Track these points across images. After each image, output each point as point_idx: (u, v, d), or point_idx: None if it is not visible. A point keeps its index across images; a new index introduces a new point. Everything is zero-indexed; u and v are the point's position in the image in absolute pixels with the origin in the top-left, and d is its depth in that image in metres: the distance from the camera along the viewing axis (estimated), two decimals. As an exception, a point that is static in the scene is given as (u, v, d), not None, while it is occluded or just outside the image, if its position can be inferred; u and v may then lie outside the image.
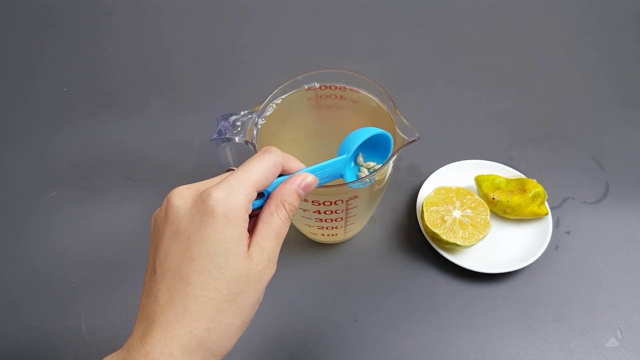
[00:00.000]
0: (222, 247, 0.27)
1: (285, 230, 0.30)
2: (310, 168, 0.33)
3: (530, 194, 0.53)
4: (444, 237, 0.51)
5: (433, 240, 0.53)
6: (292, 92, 0.48)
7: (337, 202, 0.42)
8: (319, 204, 0.42)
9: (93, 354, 0.50)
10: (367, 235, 0.57)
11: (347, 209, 0.44)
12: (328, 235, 0.51)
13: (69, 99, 0.74)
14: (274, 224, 0.29)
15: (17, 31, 0.85)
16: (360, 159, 0.38)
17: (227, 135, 0.44)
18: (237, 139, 0.44)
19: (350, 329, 0.50)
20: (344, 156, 0.35)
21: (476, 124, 0.68)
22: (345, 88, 0.48)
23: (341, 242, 0.57)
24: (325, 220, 0.46)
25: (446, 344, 0.49)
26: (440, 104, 0.71)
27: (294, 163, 0.32)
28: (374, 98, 0.47)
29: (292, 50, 0.79)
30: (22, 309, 0.54)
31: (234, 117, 0.44)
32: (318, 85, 0.48)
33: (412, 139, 0.40)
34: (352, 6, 0.85)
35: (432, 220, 0.52)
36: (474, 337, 0.49)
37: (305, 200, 0.42)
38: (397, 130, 0.42)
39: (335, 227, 0.48)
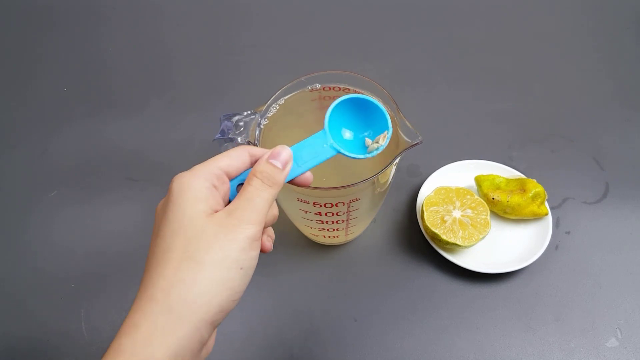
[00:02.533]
0: (177, 214, 0.29)
1: (263, 195, 0.30)
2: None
3: (530, 194, 0.53)
4: (444, 237, 0.51)
5: (433, 240, 0.53)
6: (295, 92, 0.48)
7: (338, 205, 0.42)
8: (320, 206, 0.42)
9: (93, 354, 0.50)
10: (367, 236, 0.57)
11: (348, 211, 0.44)
12: (329, 237, 0.51)
13: (69, 99, 0.74)
14: (245, 191, 0.30)
15: (17, 31, 0.85)
16: (368, 140, 0.37)
17: (229, 136, 0.44)
18: (239, 139, 0.44)
19: (350, 329, 0.50)
20: (320, 131, 0.35)
21: (476, 124, 0.68)
22: (349, 89, 0.48)
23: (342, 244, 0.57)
24: (327, 222, 0.46)
25: (446, 344, 0.49)
26: (440, 104, 0.71)
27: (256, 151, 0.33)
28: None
29: (292, 51, 0.79)
30: (23, 308, 0.54)
31: (236, 117, 0.44)
32: (321, 86, 0.48)
33: (415, 142, 0.40)
34: (352, 6, 0.85)
35: (432, 220, 0.52)
36: (474, 337, 0.50)
37: (306, 202, 0.42)
38: (400, 132, 0.42)
39: (337, 229, 0.48)
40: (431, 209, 0.53)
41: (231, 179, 0.32)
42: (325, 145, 0.35)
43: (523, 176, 0.58)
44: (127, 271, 0.55)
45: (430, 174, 0.59)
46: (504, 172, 0.59)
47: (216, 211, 0.29)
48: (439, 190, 0.55)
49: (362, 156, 0.36)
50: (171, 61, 0.79)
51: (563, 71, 0.74)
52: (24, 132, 0.70)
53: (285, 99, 0.48)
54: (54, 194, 0.63)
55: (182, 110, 0.72)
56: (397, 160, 0.41)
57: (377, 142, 0.36)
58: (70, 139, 0.68)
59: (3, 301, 0.54)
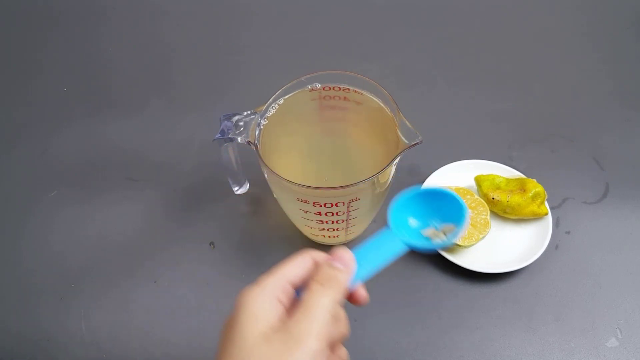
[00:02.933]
0: (236, 337, 0.27)
1: (323, 302, 0.28)
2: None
3: (530, 194, 0.53)
4: None
5: None
6: (295, 92, 0.48)
7: (338, 204, 0.42)
8: (320, 206, 0.42)
9: (93, 354, 0.50)
10: (367, 236, 0.57)
11: (348, 211, 0.44)
12: (329, 236, 0.51)
13: (69, 99, 0.74)
14: (302, 300, 0.28)
15: (17, 31, 0.85)
16: (429, 229, 0.36)
17: (229, 136, 0.44)
18: (239, 139, 0.44)
19: (350, 329, 0.50)
20: (384, 231, 0.34)
21: (476, 124, 0.68)
22: (349, 89, 0.48)
23: (342, 244, 0.57)
24: (327, 222, 0.46)
25: (446, 344, 0.49)
26: (440, 104, 0.71)
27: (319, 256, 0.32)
28: (377, 100, 0.47)
29: (292, 51, 0.79)
30: (22, 308, 0.54)
31: (236, 117, 0.45)
32: (321, 86, 0.48)
33: (414, 142, 0.40)
34: (352, 6, 0.85)
35: None
36: (474, 337, 0.50)
37: (306, 202, 0.42)
38: (400, 133, 0.42)
39: (337, 229, 0.48)
40: None
41: (296, 289, 0.30)
42: (393, 242, 0.33)
43: (523, 176, 0.58)
44: (127, 271, 0.55)
45: (430, 174, 0.59)
46: (504, 172, 0.59)
47: (277, 329, 0.27)
48: None
49: (432, 247, 0.35)
50: (171, 61, 0.79)
51: (563, 71, 0.74)
52: (24, 132, 0.70)
53: (285, 99, 0.48)
54: (54, 194, 0.63)
55: (182, 110, 0.72)
56: (397, 160, 0.42)
57: (444, 234, 0.35)
58: (70, 139, 0.68)
59: (3, 301, 0.54)
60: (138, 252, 0.57)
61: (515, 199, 0.54)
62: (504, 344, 0.49)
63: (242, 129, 0.44)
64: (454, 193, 0.35)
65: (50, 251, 0.58)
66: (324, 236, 0.51)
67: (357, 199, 0.42)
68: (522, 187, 0.54)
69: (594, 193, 0.60)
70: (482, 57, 0.77)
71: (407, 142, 0.41)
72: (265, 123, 0.46)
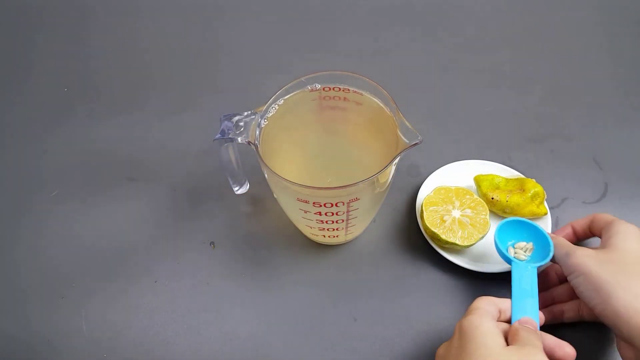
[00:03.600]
0: (480, 347, 0.36)
1: (527, 340, 0.37)
2: (513, 309, 0.41)
3: (530, 194, 0.54)
4: (443, 236, 0.51)
5: (433, 240, 0.53)
6: (295, 92, 0.48)
7: (338, 204, 0.42)
8: (320, 206, 0.43)
9: (93, 354, 0.50)
10: (367, 235, 0.57)
11: (348, 211, 0.44)
12: (329, 236, 0.51)
13: (69, 99, 0.74)
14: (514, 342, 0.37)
15: (17, 31, 0.85)
16: (512, 250, 0.48)
17: (230, 136, 0.44)
18: (239, 139, 0.44)
19: (350, 329, 0.50)
20: (514, 267, 0.45)
21: (476, 124, 0.68)
22: (349, 90, 0.48)
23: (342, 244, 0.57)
24: (327, 222, 0.46)
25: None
26: (440, 104, 0.71)
27: (504, 304, 0.41)
28: (377, 100, 0.47)
29: (292, 51, 0.79)
30: (23, 308, 0.54)
31: (237, 118, 0.45)
32: (321, 86, 0.48)
33: (414, 142, 0.40)
34: (352, 6, 0.85)
35: (432, 220, 0.52)
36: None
37: (306, 202, 0.42)
38: (400, 133, 0.42)
39: (337, 229, 0.48)
40: (431, 208, 0.53)
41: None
42: (525, 272, 0.44)
43: (522, 176, 0.58)
44: (127, 271, 0.55)
45: (430, 174, 0.59)
46: (503, 171, 0.59)
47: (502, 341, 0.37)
48: (438, 190, 0.55)
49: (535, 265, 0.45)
50: (171, 61, 0.79)
51: (563, 71, 0.74)
52: (24, 132, 0.70)
53: (285, 99, 0.48)
54: (55, 194, 0.63)
55: (182, 110, 0.72)
56: (396, 160, 0.42)
57: (524, 252, 0.47)
58: (70, 139, 0.69)
59: (3, 301, 0.54)
60: (138, 251, 0.57)
61: (515, 198, 0.54)
62: (504, 344, 0.49)
63: (242, 129, 0.44)
64: (534, 223, 0.48)
65: (51, 251, 0.58)
66: (324, 236, 0.51)
67: (357, 199, 0.42)
68: (521, 187, 0.55)
69: (593, 193, 0.60)
70: (482, 57, 0.77)
71: (406, 142, 0.41)
72: (265, 123, 0.47)
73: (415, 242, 0.56)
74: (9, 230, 0.60)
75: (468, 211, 0.53)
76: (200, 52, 0.80)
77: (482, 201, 0.54)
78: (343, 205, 0.43)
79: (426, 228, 0.53)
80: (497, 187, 0.56)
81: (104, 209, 0.61)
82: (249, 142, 0.44)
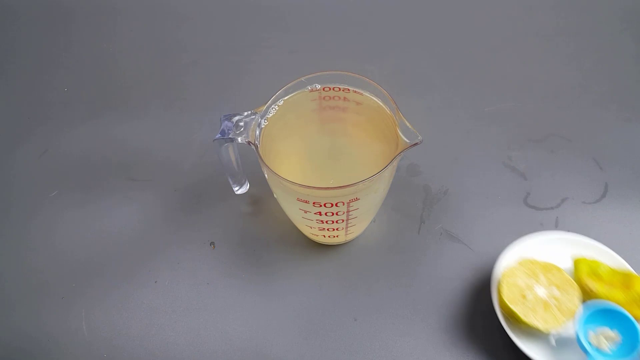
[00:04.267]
0: None
1: None
2: None
3: (636, 294, 0.44)
4: (523, 318, 0.44)
5: (509, 319, 0.46)
6: (295, 93, 0.48)
7: (338, 204, 0.42)
8: (320, 206, 0.43)
9: (94, 354, 0.50)
10: (367, 235, 0.57)
11: (348, 211, 0.44)
12: (329, 236, 0.51)
13: (70, 99, 0.74)
14: None
15: (17, 31, 0.85)
16: (593, 336, 0.43)
17: (230, 136, 0.44)
18: (239, 139, 0.44)
19: (350, 329, 0.50)
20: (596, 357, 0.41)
21: (475, 123, 0.68)
22: (349, 90, 0.48)
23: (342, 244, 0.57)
24: (327, 222, 0.46)
25: (446, 344, 0.49)
26: (440, 104, 0.71)
27: None
28: (377, 100, 0.47)
29: (292, 51, 0.79)
30: (23, 308, 0.54)
31: (237, 118, 0.45)
32: (321, 86, 0.48)
33: (414, 142, 0.40)
34: (352, 6, 0.85)
35: (511, 295, 0.45)
36: (475, 337, 0.50)
37: (306, 202, 0.42)
38: (399, 133, 0.42)
39: (337, 229, 0.48)
40: (510, 280, 0.46)
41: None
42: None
43: (631, 269, 0.48)
44: (127, 271, 0.55)
45: (511, 242, 0.50)
46: (608, 257, 0.49)
47: None
48: (524, 263, 0.47)
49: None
50: (171, 61, 0.79)
51: (563, 71, 0.74)
52: (24, 132, 0.70)
53: (285, 100, 0.48)
54: (55, 194, 0.63)
55: (182, 110, 0.72)
56: (397, 160, 0.42)
57: (608, 343, 0.42)
58: (71, 139, 0.69)
59: (3, 301, 0.54)
60: (138, 251, 0.57)
61: (616, 295, 0.45)
62: (505, 343, 0.49)
63: (242, 129, 0.44)
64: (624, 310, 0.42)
65: (51, 251, 0.58)
66: (324, 236, 0.51)
67: (357, 199, 0.42)
68: (626, 283, 0.45)
69: (593, 193, 0.60)
70: (482, 57, 0.77)
71: (407, 141, 0.41)
72: (265, 123, 0.47)
73: (415, 242, 0.56)
74: (9, 231, 0.60)
75: (555, 290, 0.45)
76: (201, 52, 0.80)
77: (573, 281, 0.46)
78: (343, 205, 0.43)
79: (503, 305, 0.45)
80: (599, 277, 0.46)
81: (104, 209, 0.61)
82: (249, 142, 0.44)
